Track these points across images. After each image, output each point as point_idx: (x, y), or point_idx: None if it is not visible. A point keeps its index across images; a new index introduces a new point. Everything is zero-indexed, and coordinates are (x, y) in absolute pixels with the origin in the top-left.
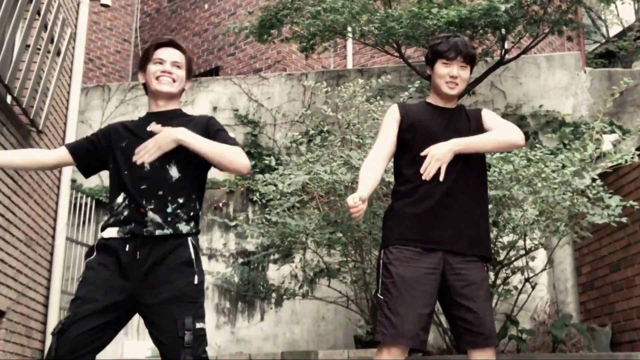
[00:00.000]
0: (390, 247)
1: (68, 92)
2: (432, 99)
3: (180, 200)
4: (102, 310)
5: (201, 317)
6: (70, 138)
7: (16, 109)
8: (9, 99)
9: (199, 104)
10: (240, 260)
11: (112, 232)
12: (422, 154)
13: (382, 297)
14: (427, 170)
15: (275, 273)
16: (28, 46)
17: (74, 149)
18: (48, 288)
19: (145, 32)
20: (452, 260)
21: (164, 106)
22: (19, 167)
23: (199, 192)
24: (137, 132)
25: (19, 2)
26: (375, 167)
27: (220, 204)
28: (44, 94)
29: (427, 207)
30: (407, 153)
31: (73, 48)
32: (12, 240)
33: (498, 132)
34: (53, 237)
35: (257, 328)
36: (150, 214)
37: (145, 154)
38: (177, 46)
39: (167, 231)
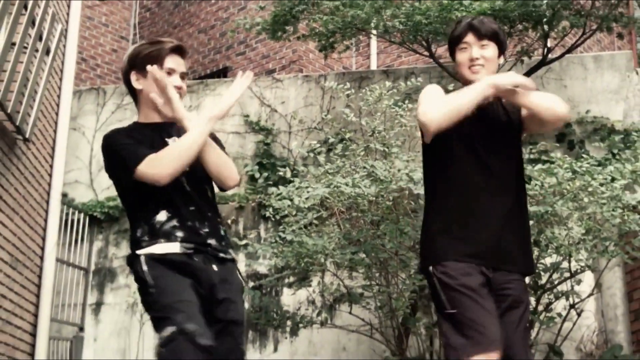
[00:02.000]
0: (442, 263)
1: (58, 96)
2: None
3: (220, 220)
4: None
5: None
6: (61, 147)
7: (0, 115)
8: None
9: (205, 108)
10: (251, 284)
11: (170, 248)
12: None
13: (454, 311)
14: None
15: (291, 298)
16: (14, 44)
17: None
18: (36, 315)
19: (144, 28)
20: (500, 276)
21: (164, 118)
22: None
23: None
24: (154, 142)
25: None
26: None
27: (229, 221)
28: (32, 98)
29: (474, 224)
30: (441, 157)
31: (64, 46)
32: None
33: (547, 95)
34: (41, 257)
35: None
36: (210, 241)
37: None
38: (184, 54)
39: (228, 256)
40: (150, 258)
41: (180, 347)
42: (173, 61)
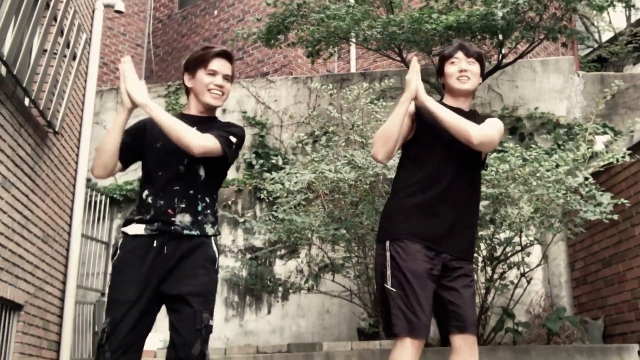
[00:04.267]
0: (399, 242)
1: (83, 95)
2: (447, 100)
3: (207, 200)
4: (135, 308)
5: (212, 314)
6: (86, 139)
7: (34, 111)
8: (27, 101)
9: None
10: (248, 255)
11: (138, 229)
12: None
13: (394, 290)
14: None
15: (282, 268)
16: (45, 51)
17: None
18: (64, 282)
19: (157, 37)
20: (451, 257)
21: (204, 113)
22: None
23: (217, 193)
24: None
25: (36, 8)
26: None
27: (229, 202)
28: (61, 97)
29: (432, 206)
30: (414, 148)
31: (88, 52)
32: (30, 237)
33: (464, 121)
34: (69, 233)
35: (264, 321)
36: (179, 216)
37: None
38: (229, 57)
39: (194, 232)
40: (125, 236)
41: (98, 352)
42: (217, 64)
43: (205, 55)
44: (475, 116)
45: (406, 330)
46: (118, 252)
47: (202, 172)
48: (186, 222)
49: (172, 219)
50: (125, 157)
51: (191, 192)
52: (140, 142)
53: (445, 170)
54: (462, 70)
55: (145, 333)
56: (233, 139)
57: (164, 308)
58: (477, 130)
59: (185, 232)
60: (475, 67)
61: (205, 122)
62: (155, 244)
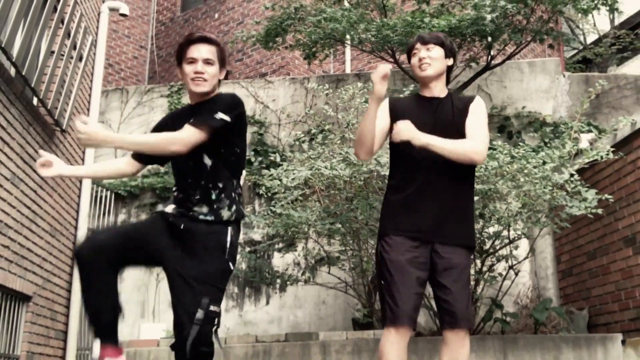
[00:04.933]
0: (386, 237)
1: (89, 95)
2: (422, 91)
3: (220, 185)
4: (136, 238)
5: (218, 301)
6: None
7: (42, 110)
8: (35, 101)
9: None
10: (248, 248)
11: (169, 208)
12: (398, 124)
13: (382, 282)
14: (395, 134)
15: (280, 261)
16: (53, 52)
17: (135, 154)
18: (71, 274)
19: (160, 39)
20: (440, 248)
21: (199, 99)
22: (105, 177)
23: (235, 174)
24: (174, 124)
25: (44, 11)
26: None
27: None
28: (67, 96)
29: (412, 200)
30: (394, 146)
31: (94, 54)
32: (38, 231)
33: (462, 145)
34: (76, 227)
35: (263, 311)
36: (197, 208)
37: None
38: (208, 40)
39: (210, 217)
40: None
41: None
42: (195, 50)
43: (182, 46)
44: (452, 102)
45: (389, 319)
46: (155, 214)
47: (207, 162)
48: (204, 211)
49: (191, 212)
50: (147, 160)
51: (202, 182)
52: None
53: (423, 166)
54: (421, 59)
55: (120, 262)
56: (220, 115)
57: (166, 301)
58: (477, 150)
59: (201, 217)
60: (434, 52)
61: (202, 106)
62: (177, 221)
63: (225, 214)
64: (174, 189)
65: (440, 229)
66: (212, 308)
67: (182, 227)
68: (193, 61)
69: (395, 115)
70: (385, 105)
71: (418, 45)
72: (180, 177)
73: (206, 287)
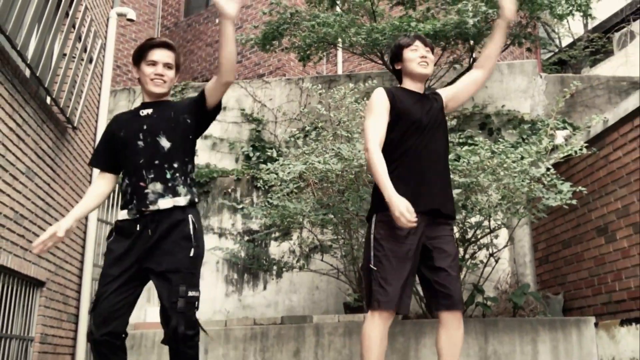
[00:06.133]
0: (379, 214)
1: (99, 94)
2: (407, 85)
3: (176, 165)
4: (120, 283)
5: (194, 285)
6: (101, 133)
7: (54, 109)
8: (48, 100)
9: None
10: (246, 238)
11: (124, 215)
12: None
13: (375, 269)
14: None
15: (276, 249)
16: (65, 55)
17: (102, 165)
18: (82, 262)
19: None
20: (430, 232)
21: (155, 98)
22: (96, 206)
23: (191, 157)
24: (133, 121)
25: (57, 17)
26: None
27: (229, 190)
28: (79, 96)
29: (409, 176)
30: (392, 133)
31: (103, 56)
32: (51, 221)
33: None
34: (86, 218)
35: (260, 296)
36: (151, 186)
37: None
38: (168, 46)
39: (168, 197)
40: (116, 222)
41: (88, 324)
42: (157, 54)
43: (144, 47)
44: (430, 99)
45: (382, 303)
46: (112, 235)
47: (164, 144)
48: (158, 189)
49: (145, 190)
50: (109, 162)
51: (156, 162)
52: (113, 144)
53: (416, 146)
54: (423, 57)
55: (129, 305)
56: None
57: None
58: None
59: (160, 202)
60: (431, 56)
61: (159, 105)
62: (138, 228)
63: (182, 190)
64: (125, 184)
65: (430, 196)
66: (190, 293)
67: (147, 233)
68: (154, 63)
69: (397, 109)
70: (384, 100)
71: (418, 44)
72: (132, 161)
73: (181, 275)
